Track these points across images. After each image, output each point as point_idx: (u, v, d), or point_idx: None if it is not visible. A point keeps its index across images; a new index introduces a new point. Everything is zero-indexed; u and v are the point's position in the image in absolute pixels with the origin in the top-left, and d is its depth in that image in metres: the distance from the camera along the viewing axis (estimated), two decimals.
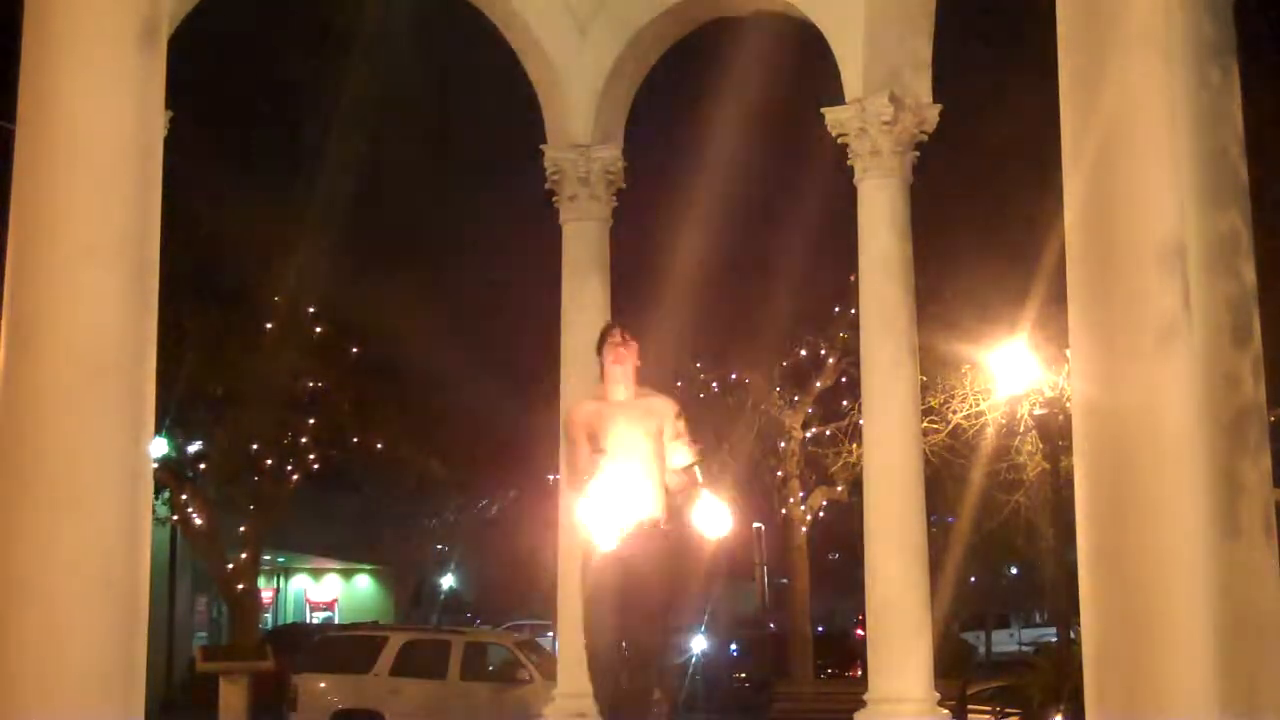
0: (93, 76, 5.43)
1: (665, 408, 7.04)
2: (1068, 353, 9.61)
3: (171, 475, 20.63)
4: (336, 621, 34.07)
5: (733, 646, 28.36)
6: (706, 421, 22.84)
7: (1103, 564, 5.78)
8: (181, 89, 6.76)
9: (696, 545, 7.10)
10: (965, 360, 18.59)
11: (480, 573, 43.27)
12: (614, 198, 11.62)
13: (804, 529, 23.21)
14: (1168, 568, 5.63)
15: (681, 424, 7.00)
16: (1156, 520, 5.65)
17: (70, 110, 5.40)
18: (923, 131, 10.48)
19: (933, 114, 10.49)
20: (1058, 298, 8.12)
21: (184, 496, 21.23)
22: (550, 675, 14.05)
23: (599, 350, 7.08)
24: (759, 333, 22.15)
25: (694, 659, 24.95)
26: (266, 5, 20.89)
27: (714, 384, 22.84)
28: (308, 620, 35.54)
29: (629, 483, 6.71)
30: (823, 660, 27.03)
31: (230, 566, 22.00)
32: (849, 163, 10.41)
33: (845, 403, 21.68)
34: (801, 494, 23.13)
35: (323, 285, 21.04)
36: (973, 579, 28.91)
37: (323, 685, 17.90)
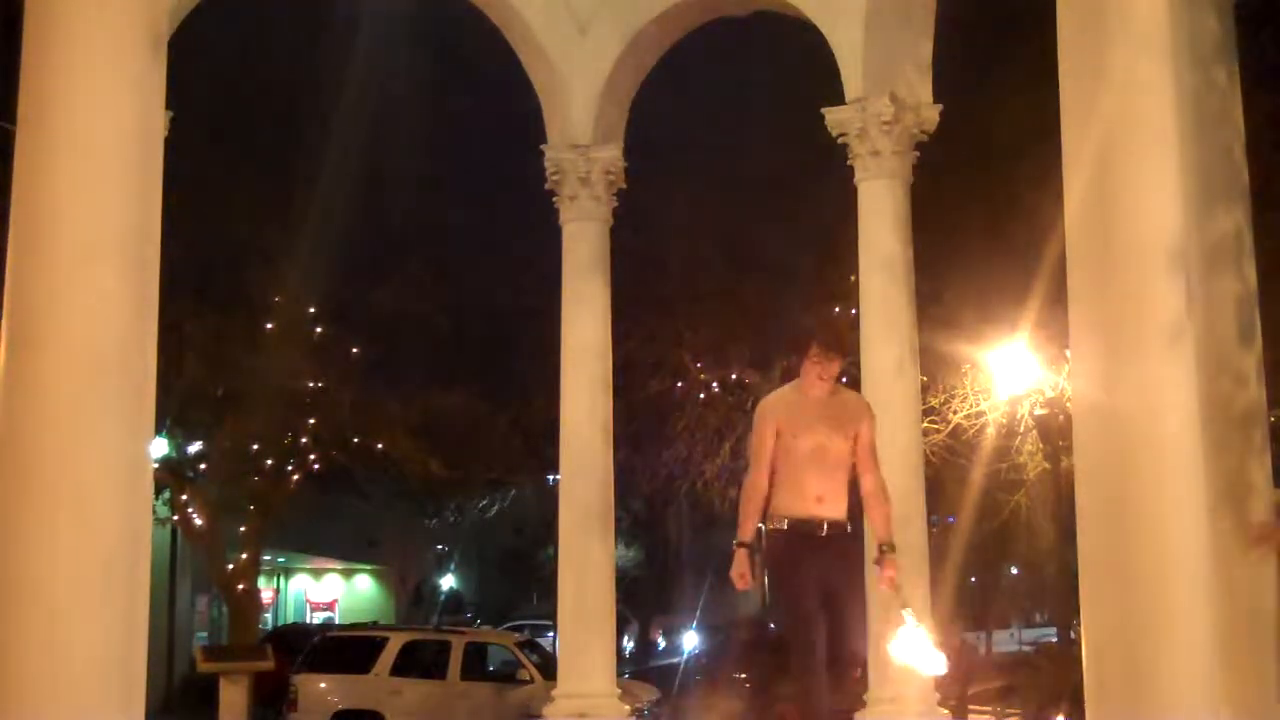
0: (93, 77, 5.43)
1: (860, 410, 6.86)
2: (1068, 353, 9.61)
3: (171, 475, 20.60)
4: (337, 622, 34.05)
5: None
6: (707, 421, 22.89)
7: (1103, 564, 5.78)
8: (181, 88, 6.76)
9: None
10: (966, 360, 18.56)
11: (480, 573, 43.32)
12: (614, 198, 11.64)
13: None
14: (1168, 567, 5.63)
15: (871, 431, 6.82)
16: (1156, 520, 5.65)
17: (70, 111, 5.40)
18: (923, 131, 10.48)
19: (933, 114, 10.49)
20: (1058, 298, 8.11)
21: (184, 496, 21.20)
22: (550, 675, 14.05)
23: (803, 356, 6.75)
24: (759, 333, 22.15)
25: (688, 657, 24.95)
26: (266, 5, 20.88)
27: (714, 384, 22.83)
28: (308, 620, 35.51)
29: (818, 483, 6.63)
30: None
31: (230, 566, 21.98)
32: (849, 163, 10.41)
33: None
34: None
35: (323, 285, 21.04)
36: (973, 579, 28.89)
37: (323, 685, 17.89)
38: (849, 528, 6.73)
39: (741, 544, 6.67)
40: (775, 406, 6.80)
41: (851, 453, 6.73)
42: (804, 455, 6.62)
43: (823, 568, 6.55)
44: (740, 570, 6.63)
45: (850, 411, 6.79)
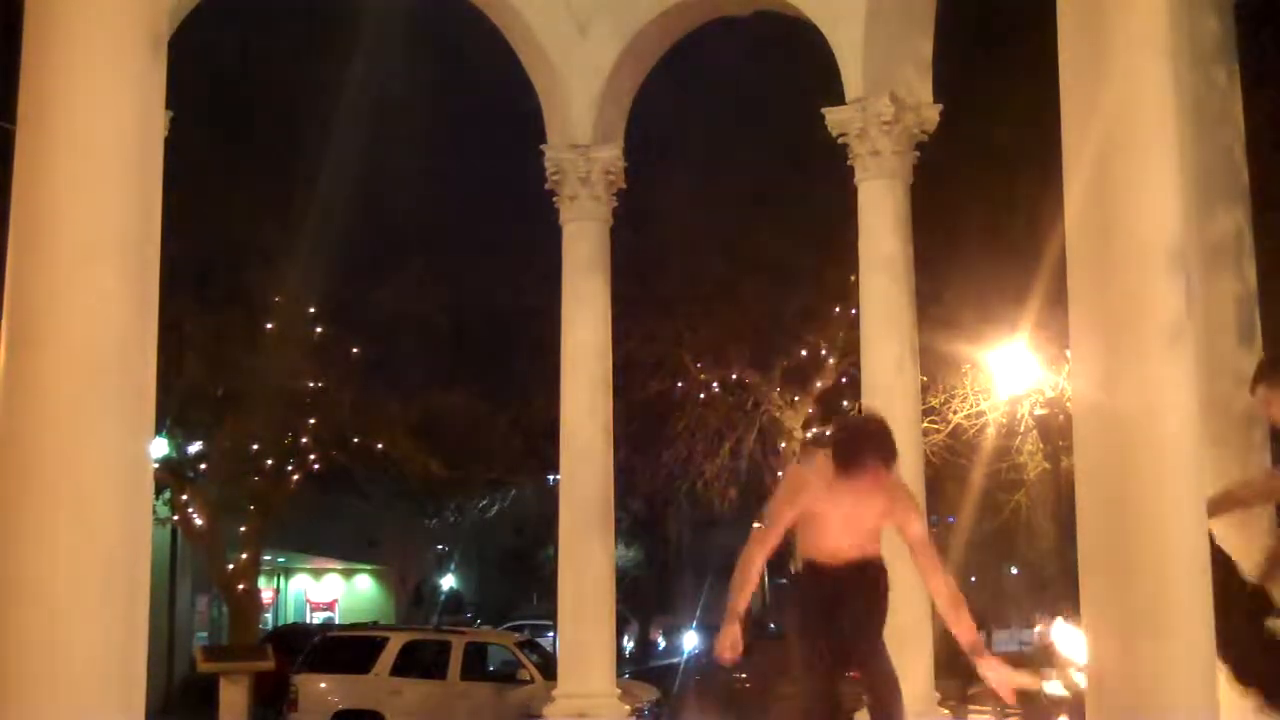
0: (93, 77, 5.42)
1: (905, 503, 6.38)
2: (1068, 353, 9.61)
3: (171, 475, 20.61)
4: (337, 622, 34.06)
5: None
6: (707, 421, 22.90)
7: (1103, 564, 5.77)
8: (181, 87, 6.75)
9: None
10: (966, 360, 18.58)
11: (480, 573, 43.32)
12: (614, 197, 11.64)
13: None
14: (1168, 567, 5.62)
15: (921, 523, 6.41)
16: (1156, 520, 5.64)
17: (70, 110, 5.39)
18: (923, 131, 10.47)
19: (933, 114, 10.49)
20: (1058, 298, 8.12)
21: (184, 496, 21.21)
22: (550, 675, 14.06)
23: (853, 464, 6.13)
24: (759, 333, 22.16)
25: (688, 657, 24.95)
26: (266, 5, 20.89)
27: (714, 384, 22.85)
28: (308, 620, 35.51)
29: (842, 540, 6.33)
30: None
31: (230, 566, 22.00)
32: (849, 163, 10.40)
33: (846, 403, 21.67)
34: None
35: (323, 285, 21.05)
36: (973, 579, 28.91)
37: (323, 685, 17.90)
38: (873, 560, 6.45)
39: (733, 614, 6.31)
40: (808, 484, 6.34)
41: (882, 521, 6.40)
42: (832, 520, 6.31)
43: (836, 598, 6.32)
44: (730, 641, 6.28)
45: (894, 503, 6.35)
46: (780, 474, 23.14)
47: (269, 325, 20.77)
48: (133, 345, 5.40)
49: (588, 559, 11.14)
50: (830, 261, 18.65)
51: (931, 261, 12.83)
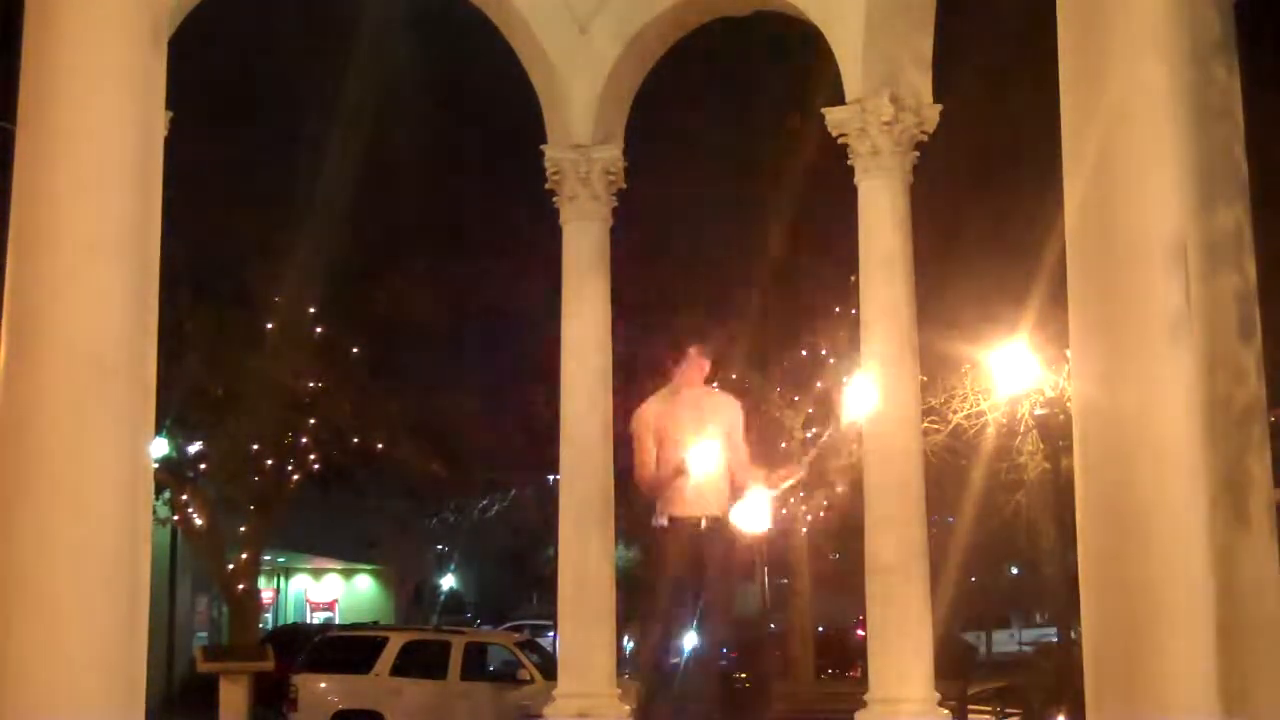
0: (93, 76, 5.42)
1: (730, 411, 7.59)
2: (1069, 353, 9.60)
3: (171, 475, 20.61)
4: (337, 622, 34.05)
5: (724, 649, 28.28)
6: None
7: (1103, 564, 5.76)
8: (182, 86, 6.76)
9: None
10: (965, 360, 18.57)
11: (480, 573, 43.32)
12: (614, 197, 11.63)
13: (804, 529, 23.22)
14: (1168, 567, 5.62)
15: (740, 434, 7.44)
16: (1157, 520, 5.64)
17: (71, 110, 5.39)
18: (923, 131, 10.46)
19: (933, 114, 10.47)
20: (1058, 298, 8.12)
21: (184, 496, 21.23)
22: (550, 675, 14.06)
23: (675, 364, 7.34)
24: (759, 333, 22.15)
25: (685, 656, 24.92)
26: (266, 4, 20.89)
27: (714, 384, 22.82)
28: (308, 620, 35.52)
29: (698, 478, 7.03)
30: (822, 660, 27.06)
31: (230, 567, 22.01)
32: (849, 163, 10.40)
33: None
34: (801, 494, 23.14)
35: (323, 285, 21.04)
36: (973, 579, 28.93)
37: (323, 685, 17.92)
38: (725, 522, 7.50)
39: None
40: (645, 411, 7.70)
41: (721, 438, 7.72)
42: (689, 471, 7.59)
43: (695, 558, 7.52)
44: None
45: (724, 411, 7.83)
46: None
47: (269, 325, 20.77)
48: (133, 345, 5.40)
49: (587, 558, 11.13)
50: (830, 261, 18.65)
51: (931, 261, 12.82)
